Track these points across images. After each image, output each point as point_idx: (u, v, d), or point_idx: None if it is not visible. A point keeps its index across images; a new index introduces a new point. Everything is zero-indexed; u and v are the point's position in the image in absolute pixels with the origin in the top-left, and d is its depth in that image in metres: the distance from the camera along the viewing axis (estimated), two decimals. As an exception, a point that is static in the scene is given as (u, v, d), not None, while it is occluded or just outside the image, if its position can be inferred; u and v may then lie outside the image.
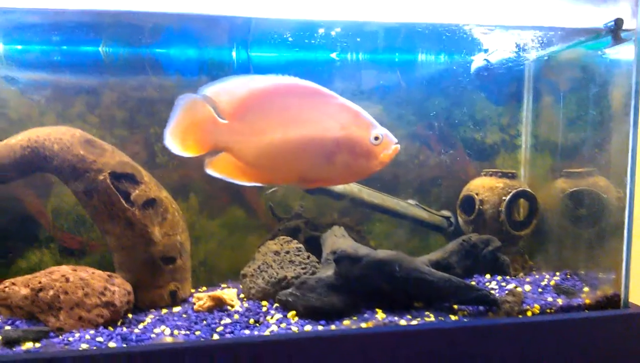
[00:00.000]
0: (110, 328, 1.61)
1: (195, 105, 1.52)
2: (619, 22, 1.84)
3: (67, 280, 1.62)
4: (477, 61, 2.33)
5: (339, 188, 2.19)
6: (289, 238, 2.04)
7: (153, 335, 1.56)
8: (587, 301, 1.83)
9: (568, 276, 2.07)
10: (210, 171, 1.55)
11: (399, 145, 1.55)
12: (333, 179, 1.65)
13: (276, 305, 1.80)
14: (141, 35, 2.00)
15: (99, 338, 1.51)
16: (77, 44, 2.05)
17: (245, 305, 1.82)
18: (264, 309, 1.79)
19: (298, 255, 1.95)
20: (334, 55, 2.28)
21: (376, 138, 1.52)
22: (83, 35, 1.99)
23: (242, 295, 1.94)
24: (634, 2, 1.85)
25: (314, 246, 2.08)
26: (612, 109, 2.00)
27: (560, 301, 1.82)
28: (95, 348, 1.46)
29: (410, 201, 2.37)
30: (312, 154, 1.52)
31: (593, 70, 2.11)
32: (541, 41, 2.16)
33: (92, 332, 1.55)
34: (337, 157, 1.52)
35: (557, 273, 2.12)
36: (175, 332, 1.59)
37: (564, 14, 1.92)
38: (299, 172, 1.56)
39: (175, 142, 1.51)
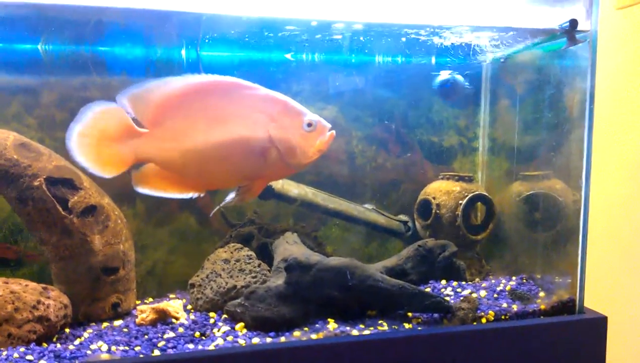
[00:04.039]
0: (44, 345, 1.52)
1: (109, 113, 1.37)
2: (573, 23, 1.82)
3: (-4, 294, 1.51)
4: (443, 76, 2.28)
5: (294, 192, 2.12)
6: (239, 245, 1.96)
7: (89, 352, 1.47)
8: (543, 307, 1.80)
9: (524, 281, 2.05)
10: (140, 188, 1.43)
11: (334, 131, 1.48)
12: (273, 174, 1.56)
13: (225, 316, 1.73)
14: (84, 32, 1.89)
15: (29, 357, 1.41)
16: (14, 41, 1.93)
17: (192, 317, 1.73)
18: (212, 321, 1.70)
19: (249, 264, 1.88)
20: (288, 55, 2.21)
21: (309, 125, 1.44)
22: (20, 32, 1.88)
23: (189, 307, 1.85)
24: (589, 3, 1.83)
25: (267, 253, 2.01)
26: (568, 111, 1.98)
27: (515, 307, 1.79)
28: (23, 367, 1.36)
29: (367, 205, 2.32)
30: (244, 152, 1.43)
31: (549, 72, 2.09)
32: (497, 43, 2.13)
33: (22, 349, 1.45)
34: (271, 150, 1.43)
35: (514, 278, 2.09)
36: (113, 347, 1.50)
37: (520, 14, 1.89)
38: (234, 174, 1.46)
39: (89, 158, 1.37)
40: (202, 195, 1.46)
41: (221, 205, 1.54)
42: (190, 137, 1.41)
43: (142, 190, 1.44)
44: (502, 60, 2.31)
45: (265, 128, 1.41)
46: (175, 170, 1.43)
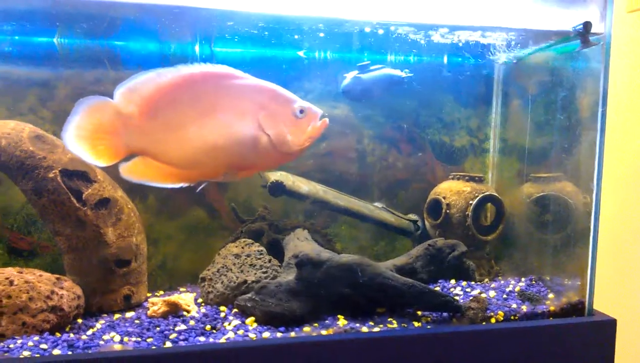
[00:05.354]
0: (57, 334, 1.53)
1: (101, 107, 1.40)
2: (587, 26, 1.82)
3: (11, 283, 1.53)
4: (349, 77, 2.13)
5: (304, 189, 2.13)
6: (250, 241, 1.98)
7: (101, 342, 1.48)
8: (552, 308, 1.81)
9: (533, 282, 2.05)
10: (127, 176, 1.45)
11: (327, 118, 1.49)
12: (265, 163, 1.57)
13: (235, 310, 1.74)
14: (99, 27, 1.91)
15: (43, 345, 1.42)
16: (30, 35, 1.95)
17: (203, 310, 1.75)
18: (222, 315, 1.72)
19: (259, 259, 1.89)
20: (301, 53, 2.22)
21: (300, 111, 1.46)
22: (37, 25, 1.90)
23: (200, 300, 1.87)
24: (603, 6, 1.83)
25: (277, 249, 2.02)
26: (580, 113, 1.98)
27: (524, 308, 1.79)
28: (37, 355, 1.37)
29: (377, 204, 2.32)
30: (235, 140, 1.44)
31: (561, 74, 2.09)
32: (510, 44, 2.13)
33: (36, 338, 1.46)
34: (262, 138, 1.45)
35: (523, 279, 2.09)
36: (126, 338, 1.51)
37: (533, 16, 1.89)
38: (225, 163, 1.47)
39: (85, 149, 1.40)
40: (193, 185, 1.48)
41: (209, 180, 1.55)
42: (180, 129, 1.43)
43: (131, 179, 1.45)
44: (514, 61, 2.31)
45: (255, 116, 1.43)
46: (168, 161, 1.45)
